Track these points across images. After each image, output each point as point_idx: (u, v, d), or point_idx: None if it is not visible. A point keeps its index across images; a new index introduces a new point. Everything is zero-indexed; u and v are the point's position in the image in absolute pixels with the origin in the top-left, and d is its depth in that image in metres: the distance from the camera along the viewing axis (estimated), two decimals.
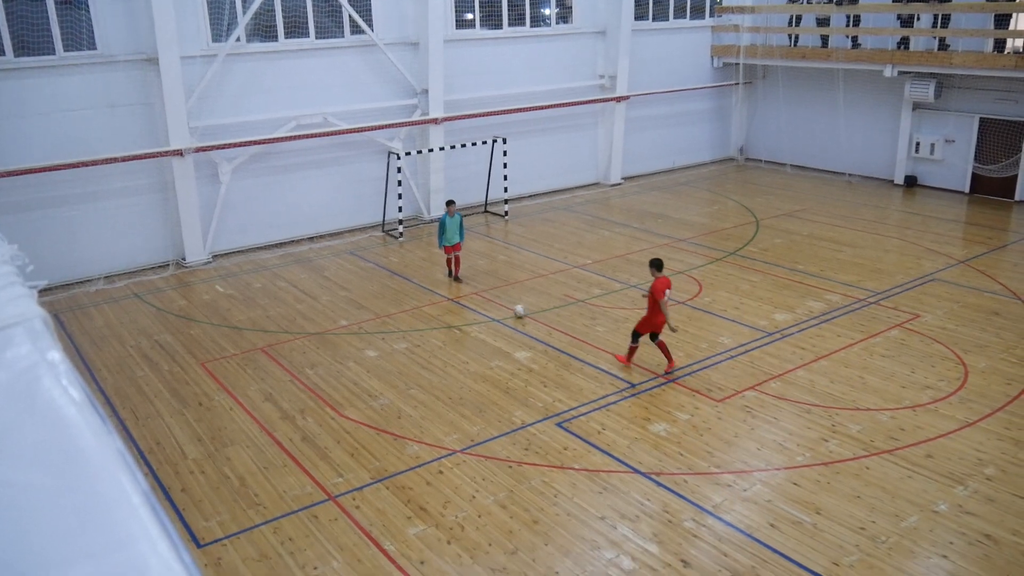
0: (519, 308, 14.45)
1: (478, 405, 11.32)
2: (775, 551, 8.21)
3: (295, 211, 19.40)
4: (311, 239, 19.61)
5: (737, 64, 26.47)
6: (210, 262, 18.01)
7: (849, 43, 24.17)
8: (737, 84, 27.02)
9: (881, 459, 9.82)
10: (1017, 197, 21.98)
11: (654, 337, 12.11)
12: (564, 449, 10.15)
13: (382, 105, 19.98)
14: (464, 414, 11.08)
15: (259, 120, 18.31)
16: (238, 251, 18.70)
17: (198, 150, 17.28)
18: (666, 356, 12.09)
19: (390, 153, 19.69)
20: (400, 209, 19.49)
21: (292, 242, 19.36)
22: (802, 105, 26.16)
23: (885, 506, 8.92)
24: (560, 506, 9.02)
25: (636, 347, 12.25)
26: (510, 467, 9.80)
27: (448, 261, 16.48)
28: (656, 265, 12.02)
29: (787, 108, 26.46)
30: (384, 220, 20.34)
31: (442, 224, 15.87)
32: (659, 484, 9.38)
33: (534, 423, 10.80)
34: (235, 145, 17.82)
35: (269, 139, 18.26)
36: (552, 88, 22.88)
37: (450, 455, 10.09)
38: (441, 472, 9.74)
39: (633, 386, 11.77)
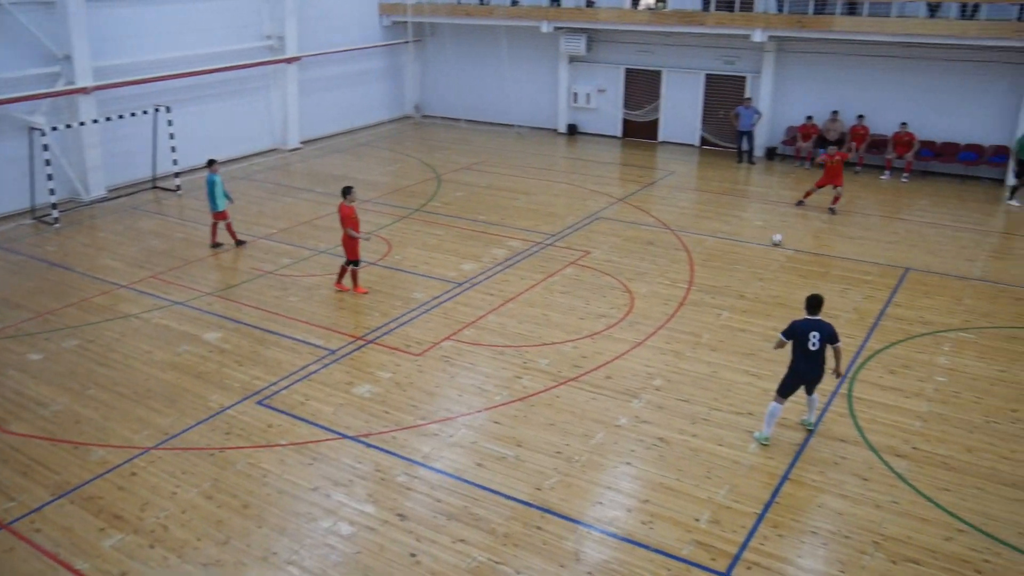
0: (777, 236, 15.75)
1: (169, 395, 10.60)
2: (484, 488, 8.66)
3: None
4: None
5: (406, 22, 26.74)
6: None
7: (508, 1, 25.38)
8: (408, 42, 27.34)
9: (568, 387, 10.69)
10: (660, 139, 24.69)
11: (356, 263, 13.45)
12: (268, 427, 9.85)
13: (14, 75, 17.57)
14: (154, 407, 10.32)
15: None
16: None
17: None
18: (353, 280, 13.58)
19: (32, 129, 17.47)
20: (52, 192, 17.43)
21: None
22: (471, 61, 27.13)
23: (576, 428, 9.74)
24: (270, 485, 8.77)
25: (357, 270, 13.58)
26: (212, 455, 9.32)
27: (215, 227, 15.90)
28: (344, 192, 13.34)
29: (457, 64, 27.30)
30: (33, 205, 18.09)
31: (219, 185, 15.35)
32: (369, 445, 9.45)
33: (233, 405, 10.34)
34: None
35: None
36: (217, 51, 21.59)
37: (143, 453, 9.37)
38: (134, 474, 9.02)
39: (333, 352, 11.68)
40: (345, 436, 9.64)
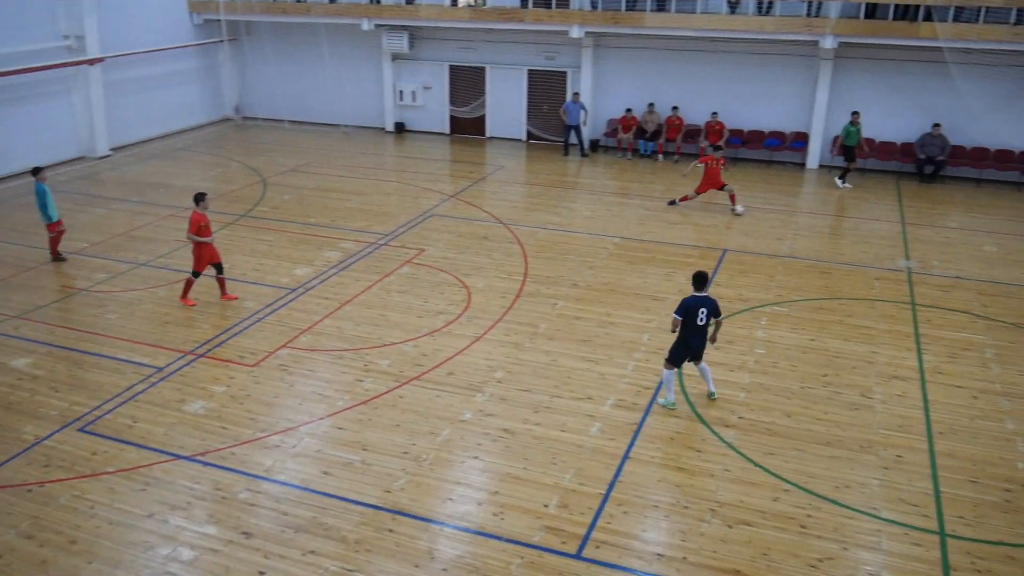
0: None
1: None
2: (332, 496, 8.48)
3: None
4: None
5: (219, 20, 25.61)
6: None
7: None
8: (222, 41, 26.21)
9: (411, 386, 10.64)
10: (488, 135, 25.00)
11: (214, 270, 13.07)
12: (93, 455, 9.21)
13: None
14: None
15: None
16: None
17: None
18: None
19: None
20: None
21: None
22: (292, 60, 26.37)
23: (421, 427, 9.72)
24: (99, 517, 8.20)
25: (194, 280, 13.02)
26: (29, 491, 8.61)
27: (55, 239, 14.81)
28: (196, 198, 12.80)
29: (277, 64, 26.46)
30: None
31: (50, 194, 14.44)
32: (206, 464, 9.03)
33: (51, 435, 9.58)
34: None
35: None
36: (4, 52, 19.84)
37: None
38: None
39: (160, 369, 11.06)
40: (179, 457, 9.16)
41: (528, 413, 10.05)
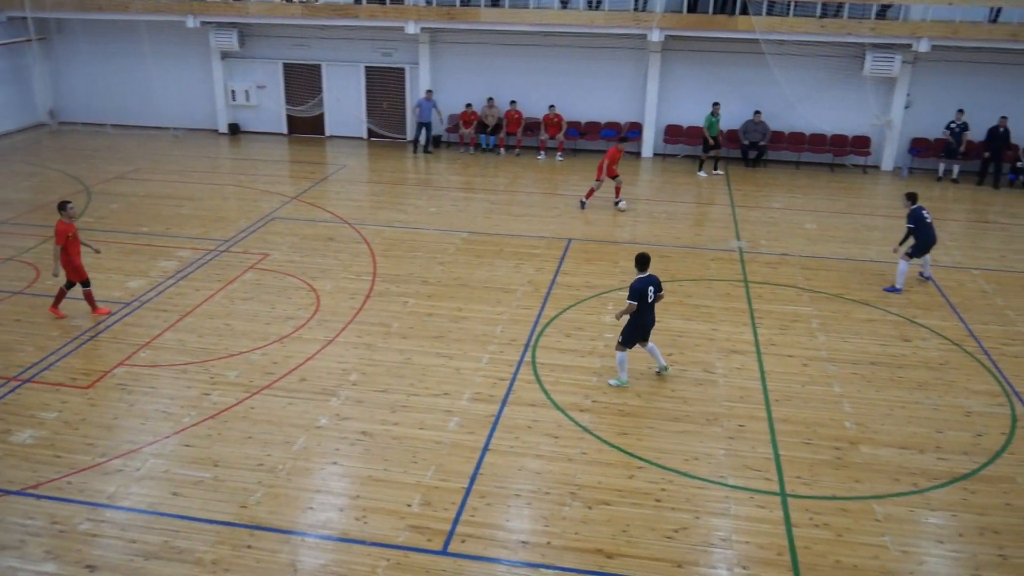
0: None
1: None
2: (183, 517, 8.08)
3: None
4: None
5: (25, 18, 23.70)
6: None
7: None
8: (31, 40, 24.28)
9: (262, 396, 10.29)
10: (328, 133, 24.49)
11: (85, 284, 12.38)
12: None
13: None
14: None
15: None
16: None
17: None
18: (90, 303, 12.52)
19: None
20: None
21: None
22: (111, 60, 24.77)
23: (275, 437, 9.42)
24: None
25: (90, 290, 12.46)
26: None
27: None
28: (59, 206, 12.18)
29: (95, 64, 24.80)
30: None
31: None
32: (40, 496, 8.38)
33: None
34: None
35: None
36: None
37: None
38: None
39: None
40: (8, 492, 8.45)
41: (385, 413, 9.94)
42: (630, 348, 10.57)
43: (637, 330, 10.43)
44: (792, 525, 8.12)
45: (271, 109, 24.55)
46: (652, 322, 10.53)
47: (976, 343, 12.05)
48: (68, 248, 12.02)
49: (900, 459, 9.22)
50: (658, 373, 10.90)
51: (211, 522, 8.02)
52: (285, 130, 24.72)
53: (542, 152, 22.56)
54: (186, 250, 15.12)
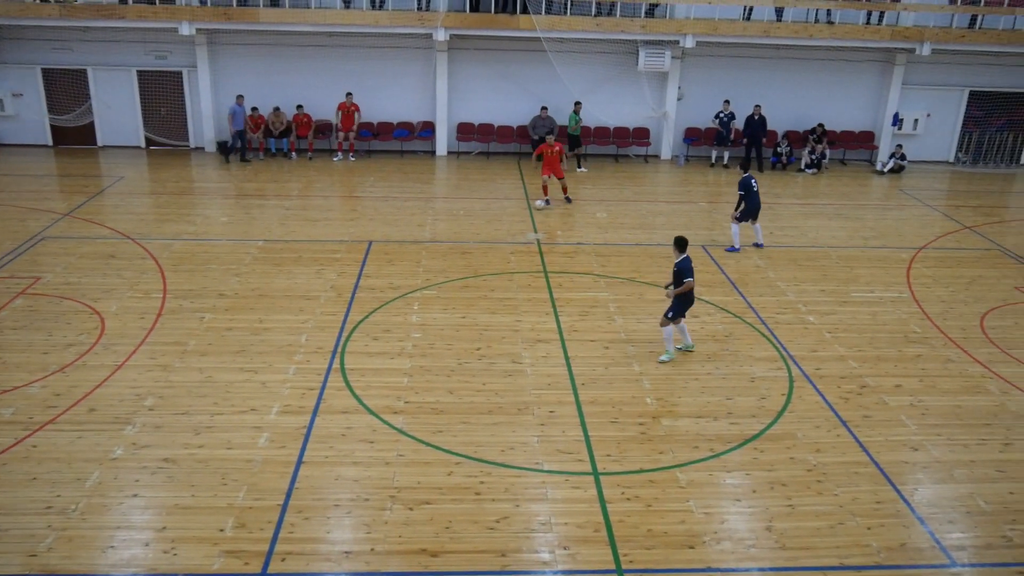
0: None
1: None
2: None
3: None
4: None
5: None
6: None
7: None
8: None
9: (45, 432, 9.42)
10: (100, 143, 22.74)
11: None
12: None
13: None
14: None
15: None
16: None
17: None
18: None
19: None
20: None
21: None
22: None
23: (65, 475, 8.65)
24: None
25: None
26: None
27: None
28: None
29: None
30: None
31: None
32: None
33: None
34: None
35: None
36: None
37: None
38: None
39: None
40: None
41: (189, 436, 9.40)
42: (680, 321, 11.42)
43: (687, 304, 11.36)
44: (606, 501, 8.50)
45: (32, 119, 22.42)
46: (693, 299, 11.50)
47: (755, 314, 13.14)
48: None
49: (697, 428, 9.90)
50: (681, 350, 11.71)
51: None
52: (50, 141, 22.68)
53: (339, 153, 22.13)
54: None
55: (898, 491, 8.80)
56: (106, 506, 8.23)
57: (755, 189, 15.70)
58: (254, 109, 21.77)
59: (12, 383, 10.43)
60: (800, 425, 10.05)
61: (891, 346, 12.20)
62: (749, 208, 15.72)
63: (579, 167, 21.97)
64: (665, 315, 11.41)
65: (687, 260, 11.20)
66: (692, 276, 11.18)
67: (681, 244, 11.32)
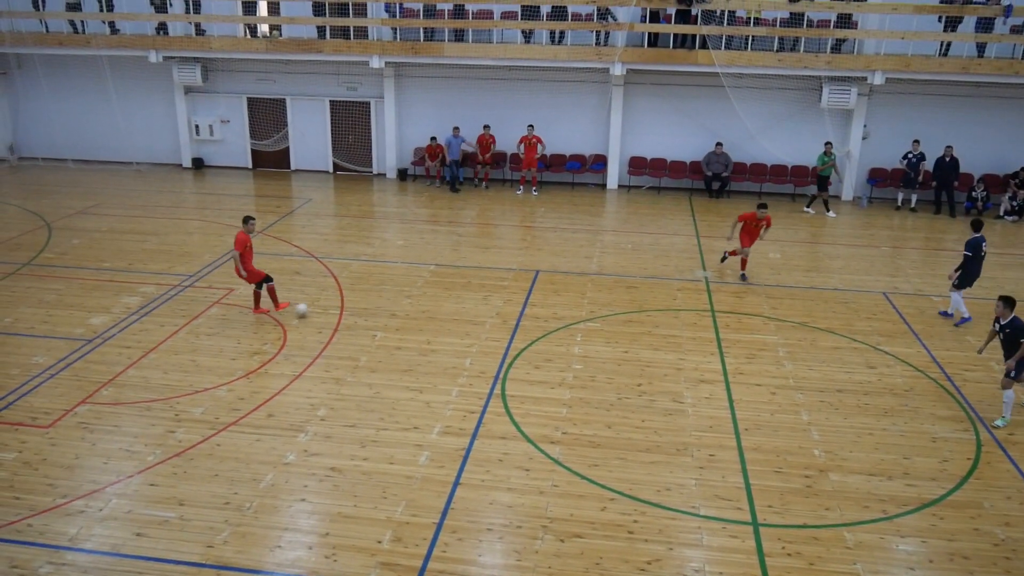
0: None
1: None
2: (147, 559, 7.88)
3: None
4: None
5: None
6: None
7: (107, 29, 23.40)
8: None
9: (229, 432, 10.13)
10: (293, 167, 24.42)
11: (268, 280, 13.65)
12: None
13: None
14: None
15: None
16: None
17: None
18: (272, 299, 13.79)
19: None
20: None
21: None
22: (73, 95, 24.60)
23: (242, 474, 9.25)
24: None
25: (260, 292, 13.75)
26: None
27: None
28: (244, 220, 13.54)
29: (56, 99, 24.60)
30: None
31: None
32: None
33: None
34: None
35: None
36: None
37: None
38: None
39: None
40: None
41: (355, 449, 9.82)
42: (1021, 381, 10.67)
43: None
44: (764, 555, 8.13)
45: (235, 143, 24.45)
46: None
47: (939, 369, 12.25)
48: (245, 255, 13.19)
49: (869, 486, 9.30)
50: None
51: (176, 563, 7.84)
52: (250, 164, 24.61)
53: (520, 187, 22.52)
54: (149, 286, 14.91)
55: None
56: (276, 507, 8.72)
57: (983, 254, 13.79)
58: (432, 139, 22.67)
59: (204, 384, 11.30)
60: (988, 494, 9.23)
61: None
62: (969, 273, 13.77)
63: (807, 207, 21.25)
64: (1007, 375, 10.56)
65: (1018, 320, 10.52)
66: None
67: (1011, 303, 10.62)
